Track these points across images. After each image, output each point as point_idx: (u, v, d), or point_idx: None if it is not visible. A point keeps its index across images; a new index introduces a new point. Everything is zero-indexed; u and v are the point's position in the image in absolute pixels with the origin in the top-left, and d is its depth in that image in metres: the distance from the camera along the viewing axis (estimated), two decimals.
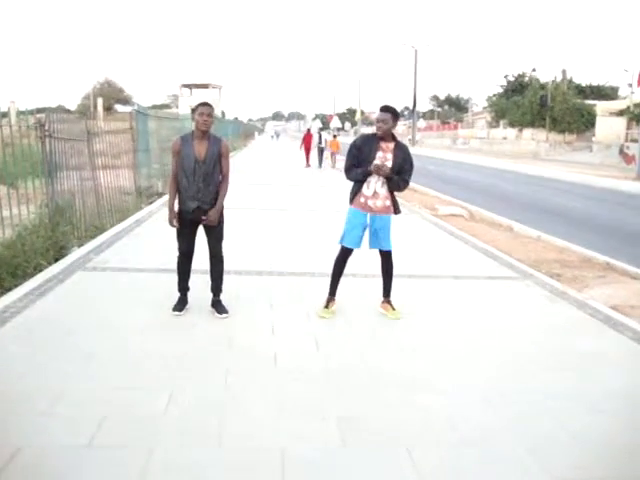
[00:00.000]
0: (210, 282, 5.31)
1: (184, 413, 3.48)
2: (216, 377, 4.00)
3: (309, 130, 27.99)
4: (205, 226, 5.14)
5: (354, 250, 5.34)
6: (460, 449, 3.22)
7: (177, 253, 5.27)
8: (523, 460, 3.14)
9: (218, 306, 5.27)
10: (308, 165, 25.35)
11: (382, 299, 5.46)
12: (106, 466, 2.91)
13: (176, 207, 5.08)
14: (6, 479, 2.78)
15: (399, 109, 5.50)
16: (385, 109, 5.05)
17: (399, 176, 5.11)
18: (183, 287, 5.32)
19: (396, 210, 5.25)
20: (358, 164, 5.12)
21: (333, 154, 26.04)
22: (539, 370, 4.33)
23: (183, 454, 3.04)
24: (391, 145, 5.11)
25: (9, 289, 5.82)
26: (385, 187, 5.13)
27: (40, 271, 6.43)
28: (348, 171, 5.22)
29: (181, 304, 5.27)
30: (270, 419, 3.46)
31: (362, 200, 5.17)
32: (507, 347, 4.78)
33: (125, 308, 5.32)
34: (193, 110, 4.97)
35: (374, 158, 5.03)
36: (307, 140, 26.26)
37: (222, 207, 5.12)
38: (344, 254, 5.34)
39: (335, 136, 27.71)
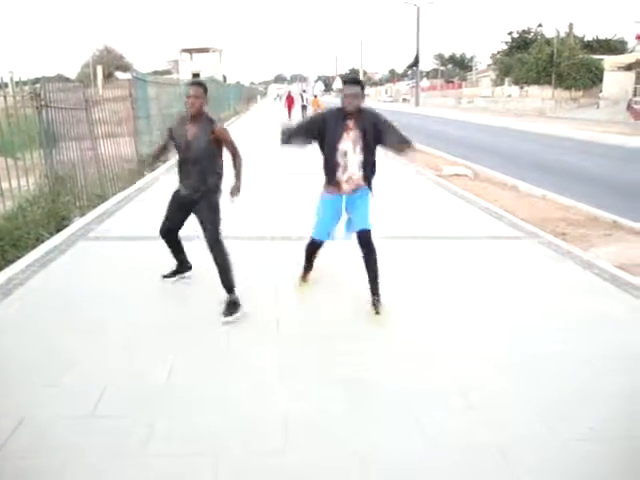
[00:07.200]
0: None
1: (186, 381, 3.49)
2: (218, 344, 4.00)
3: (290, 92, 36.59)
4: (196, 213, 4.67)
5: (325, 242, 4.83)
6: (468, 413, 3.21)
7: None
8: (531, 423, 3.13)
9: (225, 306, 4.56)
10: (290, 119, 28.19)
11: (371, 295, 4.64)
12: (109, 436, 2.91)
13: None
14: (10, 450, 2.80)
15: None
16: (354, 81, 4.40)
17: (398, 143, 4.55)
18: (177, 260, 5.19)
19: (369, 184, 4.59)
20: (310, 136, 4.56)
21: (315, 112, 28.07)
22: (545, 331, 4.30)
23: (186, 422, 3.05)
24: (356, 120, 4.38)
25: (11, 261, 5.81)
26: (362, 171, 4.49)
27: (42, 242, 6.42)
28: (291, 135, 4.61)
29: (174, 271, 5.22)
30: (273, 384, 3.46)
31: (334, 185, 4.57)
32: (513, 308, 4.75)
33: (127, 277, 5.30)
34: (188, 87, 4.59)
35: (339, 137, 4.38)
36: (289, 100, 33.40)
37: (240, 184, 4.63)
38: (314, 245, 4.85)
39: (316, 96, 34.36)
